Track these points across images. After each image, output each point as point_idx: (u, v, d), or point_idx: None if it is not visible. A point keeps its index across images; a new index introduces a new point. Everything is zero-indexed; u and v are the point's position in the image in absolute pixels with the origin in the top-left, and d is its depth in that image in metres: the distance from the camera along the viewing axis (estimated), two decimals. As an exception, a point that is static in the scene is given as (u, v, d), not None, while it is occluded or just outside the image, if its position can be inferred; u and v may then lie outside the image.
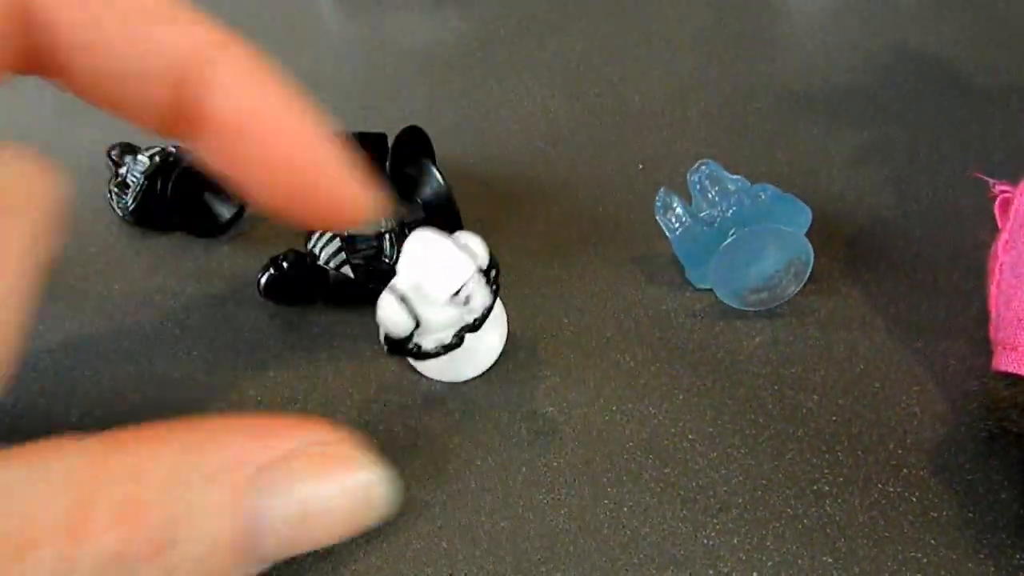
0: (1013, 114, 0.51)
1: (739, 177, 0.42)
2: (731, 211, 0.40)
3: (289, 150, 0.21)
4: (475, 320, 0.35)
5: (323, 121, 0.21)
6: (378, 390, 0.39)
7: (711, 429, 0.36)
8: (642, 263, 0.44)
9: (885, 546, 0.31)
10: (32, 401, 0.41)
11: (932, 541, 0.31)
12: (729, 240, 0.38)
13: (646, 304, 0.42)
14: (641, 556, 0.32)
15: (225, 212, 0.49)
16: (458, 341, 0.35)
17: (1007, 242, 0.34)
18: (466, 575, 0.32)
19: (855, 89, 0.55)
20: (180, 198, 0.47)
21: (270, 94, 0.21)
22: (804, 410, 0.36)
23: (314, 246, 0.44)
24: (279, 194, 0.21)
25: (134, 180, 0.48)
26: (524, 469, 0.35)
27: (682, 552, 0.31)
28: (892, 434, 0.34)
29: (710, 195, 0.42)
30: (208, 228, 0.49)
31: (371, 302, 0.35)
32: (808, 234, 0.39)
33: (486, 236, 0.36)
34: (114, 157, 0.51)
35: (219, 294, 0.46)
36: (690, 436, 0.35)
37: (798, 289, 0.40)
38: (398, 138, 0.48)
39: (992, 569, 0.30)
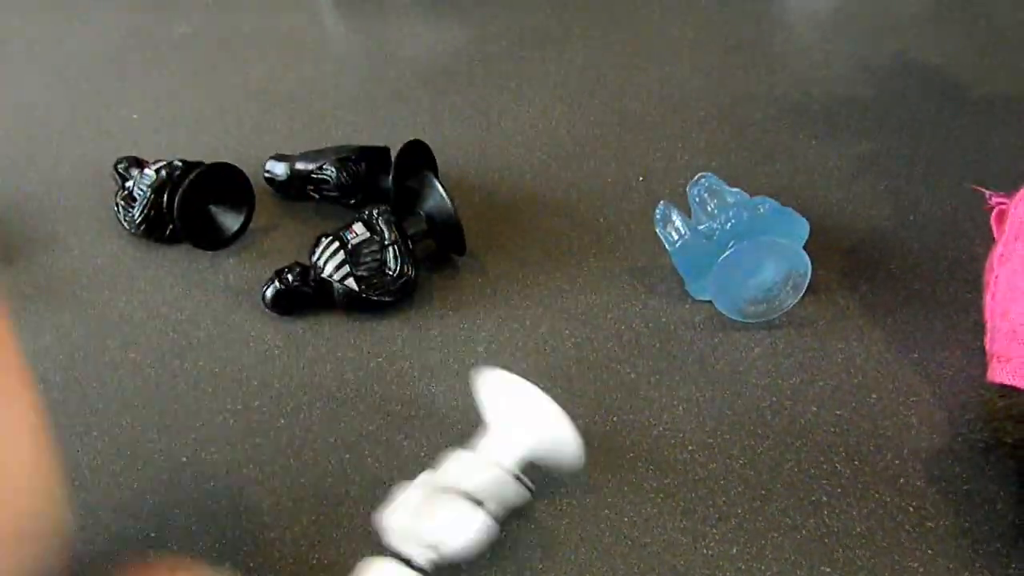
0: (1010, 126, 0.51)
1: (738, 190, 0.43)
2: (730, 224, 0.40)
3: None
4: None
5: None
6: (382, 400, 0.40)
7: (711, 440, 0.36)
8: (642, 275, 0.45)
9: (882, 556, 0.31)
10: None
11: (929, 551, 0.31)
12: (728, 253, 0.38)
13: (646, 316, 0.42)
14: (642, 566, 0.32)
15: (230, 225, 0.50)
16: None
17: (1002, 255, 0.35)
18: (469, 584, 0.32)
19: (853, 101, 0.55)
20: (186, 211, 0.47)
21: None
22: (802, 421, 0.36)
23: (318, 259, 0.45)
24: None
25: (141, 193, 0.49)
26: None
27: (682, 562, 0.32)
28: (889, 444, 0.35)
29: (709, 207, 0.42)
30: (214, 241, 0.49)
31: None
32: (806, 246, 0.40)
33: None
34: (121, 171, 0.52)
35: (224, 306, 0.46)
36: (690, 447, 0.36)
37: (796, 301, 0.40)
38: (401, 152, 0.48)
39: (988, 579, 0.30)
